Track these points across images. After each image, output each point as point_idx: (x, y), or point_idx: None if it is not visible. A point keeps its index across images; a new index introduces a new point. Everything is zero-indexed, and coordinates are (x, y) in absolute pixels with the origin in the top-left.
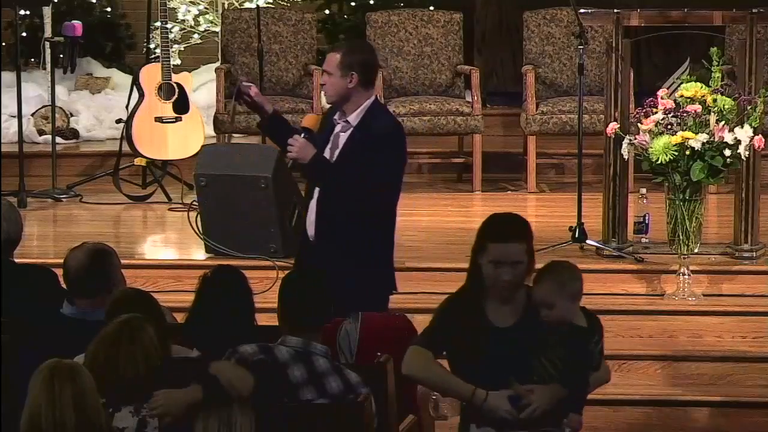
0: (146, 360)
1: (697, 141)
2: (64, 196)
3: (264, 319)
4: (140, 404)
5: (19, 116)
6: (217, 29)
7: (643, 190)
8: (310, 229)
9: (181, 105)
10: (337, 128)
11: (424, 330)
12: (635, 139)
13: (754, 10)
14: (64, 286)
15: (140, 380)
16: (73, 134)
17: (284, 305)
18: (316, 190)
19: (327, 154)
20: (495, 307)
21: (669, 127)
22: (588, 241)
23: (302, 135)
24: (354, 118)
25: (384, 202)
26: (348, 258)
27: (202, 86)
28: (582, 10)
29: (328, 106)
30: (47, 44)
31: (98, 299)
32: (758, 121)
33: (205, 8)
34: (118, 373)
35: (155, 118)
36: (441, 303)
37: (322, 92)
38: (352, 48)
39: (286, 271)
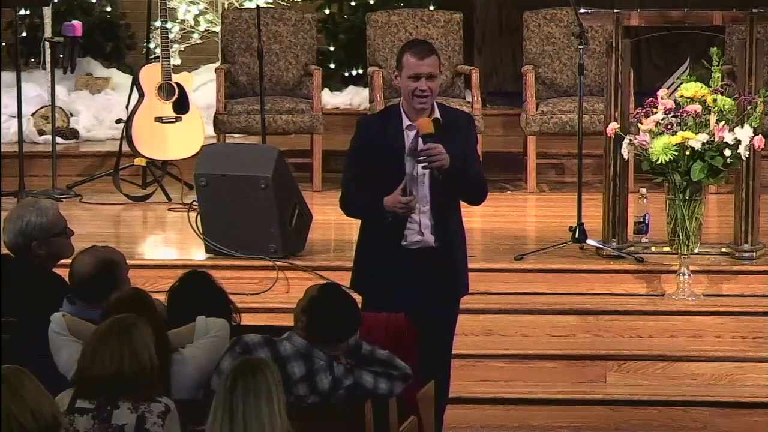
0: (133, 357)
1: (697, 141)
2: (64, 196)
3: (264, 319)
4: (138, 401)
5: (19, 116)
6: (217, 29)
7: (643, 190)
8: (424, 237)
9: (181, 105)
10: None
11: None
12: (635, 139)
13: (754, 10)
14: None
15: (137, 377)
16: (73, 134)
17: (316, 321)
18: (428, 197)
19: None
20: None
21: (669, 127)
22: (588, 241)
23: (425, 142)
24: (436, 112)
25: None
26: (463, 251)
27: (202, 86)
28: (582, 10)
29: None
30: (47, 44)
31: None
32: (758, 121)
33: (205, 8)
34: (103, 369)
35: (155, 118)
36: None
37: (420, 100)
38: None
39: (287, 271)
